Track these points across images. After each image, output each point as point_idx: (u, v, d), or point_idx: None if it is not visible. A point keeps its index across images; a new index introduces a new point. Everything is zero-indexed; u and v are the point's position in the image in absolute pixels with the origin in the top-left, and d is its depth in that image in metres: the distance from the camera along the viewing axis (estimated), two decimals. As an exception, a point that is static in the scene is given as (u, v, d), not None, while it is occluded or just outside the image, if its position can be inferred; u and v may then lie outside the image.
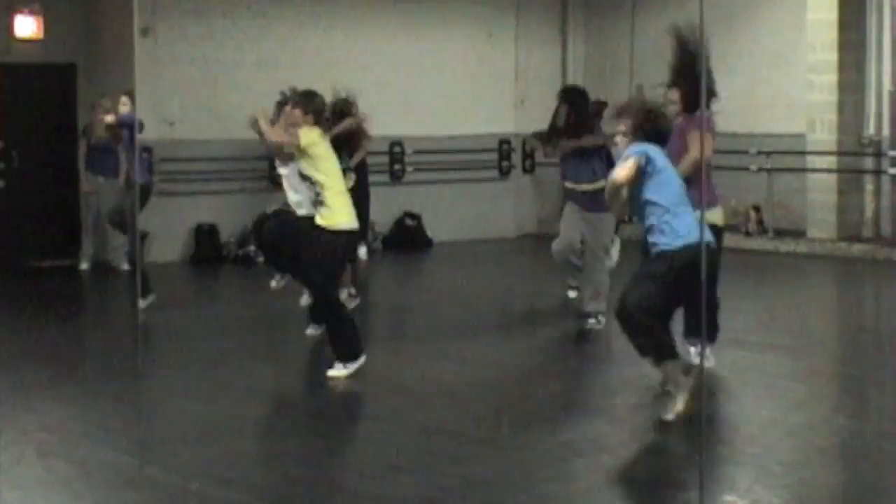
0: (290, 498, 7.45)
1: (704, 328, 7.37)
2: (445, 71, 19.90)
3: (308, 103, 10.09)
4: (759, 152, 18.37)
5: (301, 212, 11.14)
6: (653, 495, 7.61)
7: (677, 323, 9.43)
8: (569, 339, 11.94)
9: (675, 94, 9.96)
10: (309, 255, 10.14)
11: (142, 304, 13.19)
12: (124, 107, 13.60)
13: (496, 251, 19.26)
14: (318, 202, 10.00)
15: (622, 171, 8.49)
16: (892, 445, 8.42)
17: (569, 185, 12.54)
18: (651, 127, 8.64)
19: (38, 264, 17.16)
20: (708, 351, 9.41)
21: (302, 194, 10.89)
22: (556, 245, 12.68)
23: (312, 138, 9.99)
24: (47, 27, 17.48)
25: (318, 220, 10.03)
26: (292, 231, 11.04)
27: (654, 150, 8.56)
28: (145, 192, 13.69)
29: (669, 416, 8.53)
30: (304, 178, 10.12)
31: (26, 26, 17.41)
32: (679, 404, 8.52)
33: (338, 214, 9.99)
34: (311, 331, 11.71)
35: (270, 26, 18.40)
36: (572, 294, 13.50)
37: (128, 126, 13.20)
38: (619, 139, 8.72)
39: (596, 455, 8.14)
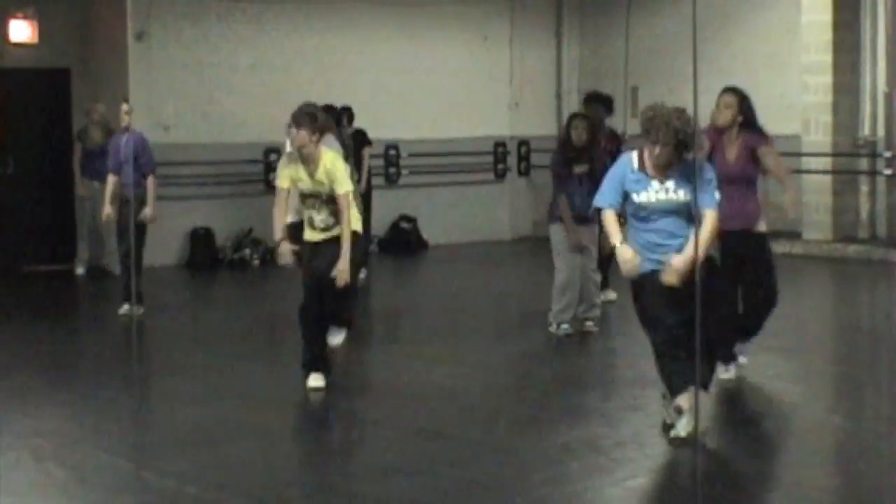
0: (286, 502, 7.45)
1: (699, 332, 7.36)
2: (440, 74, 19.90)
3: (312, 122, 9.96)
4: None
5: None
6: (649, 497, 7.61)
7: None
8: (564, 342, 11.93)
9: (730, 98, 9.85)
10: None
11: (137, 310, 13.19)
12: (126, 115, 13.54)
13: (492, 254, 19.26)
14: (335, 223, 9.93)
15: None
16: (888, 446, 8.42)
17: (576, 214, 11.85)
18: (685, 137, 8.34)
19: (33, 269, 17.15)
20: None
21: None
22: (562, 278, 12.00)
23: (344, 175, 9.89)
24: (42, 32, 17.47)
25: (336, 234, 9.91)
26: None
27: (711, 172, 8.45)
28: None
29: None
30: (315, 198, 9.93)
31: (21, 31, 17.40)
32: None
33: (354, 222, 10.03)
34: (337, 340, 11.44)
35: (265, 30, 18.40)
36: (565, 326, 12.17)
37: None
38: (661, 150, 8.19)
39: (592, 457, 8.14)
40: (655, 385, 9.26)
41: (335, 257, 9.81)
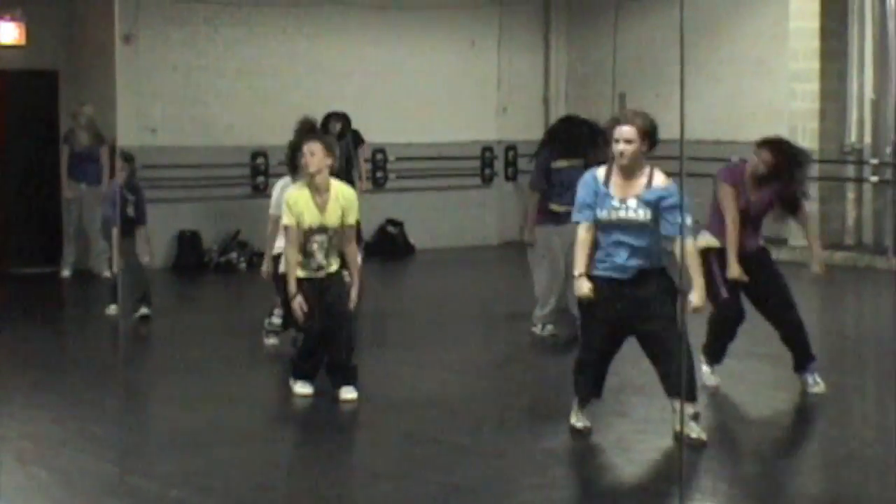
0: (271, 506, 7.44)
1: (686, 344, 7.39)
2: (428, 78, 19.89)
3: (330, 146, 9.81)
4: (742, 160, 18.38)
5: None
6: (634, 503, 7.61)
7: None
8: (551, 347, 11.93)
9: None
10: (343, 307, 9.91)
11: (113, 310, 13.24)
12: (121, 172, 13.58)
13: (478, 258, 19.25)
14: (331, 263, 9.80)
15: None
16: (874, 453, 8.43)
17: (557, 207, 11.90)
18: (644, 123, 8.31)
19: (19, 271, 17.09)
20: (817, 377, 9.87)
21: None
22: (543, 283, 12.11)
23: (356, 206, 9.92)
24: (30, 34, 17.41)
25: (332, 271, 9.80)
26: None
27: None
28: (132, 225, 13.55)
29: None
30: (321, 234, 9.70)
31: (9, 33, 17.34)
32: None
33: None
34: (274, 340, 11.80)
35: (253, 33, 18.38)
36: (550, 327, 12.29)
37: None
38: (624, 147, 8.17)
39: (578, 462, 8.14)
40: (641, 391, 9.29)
41: (341, 297, 9.75)
